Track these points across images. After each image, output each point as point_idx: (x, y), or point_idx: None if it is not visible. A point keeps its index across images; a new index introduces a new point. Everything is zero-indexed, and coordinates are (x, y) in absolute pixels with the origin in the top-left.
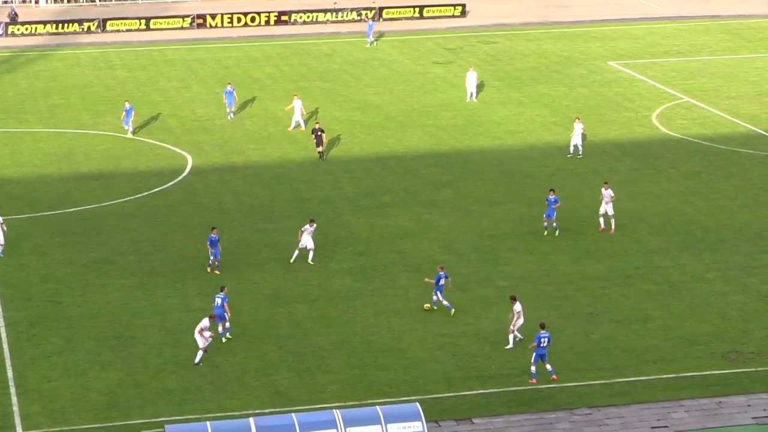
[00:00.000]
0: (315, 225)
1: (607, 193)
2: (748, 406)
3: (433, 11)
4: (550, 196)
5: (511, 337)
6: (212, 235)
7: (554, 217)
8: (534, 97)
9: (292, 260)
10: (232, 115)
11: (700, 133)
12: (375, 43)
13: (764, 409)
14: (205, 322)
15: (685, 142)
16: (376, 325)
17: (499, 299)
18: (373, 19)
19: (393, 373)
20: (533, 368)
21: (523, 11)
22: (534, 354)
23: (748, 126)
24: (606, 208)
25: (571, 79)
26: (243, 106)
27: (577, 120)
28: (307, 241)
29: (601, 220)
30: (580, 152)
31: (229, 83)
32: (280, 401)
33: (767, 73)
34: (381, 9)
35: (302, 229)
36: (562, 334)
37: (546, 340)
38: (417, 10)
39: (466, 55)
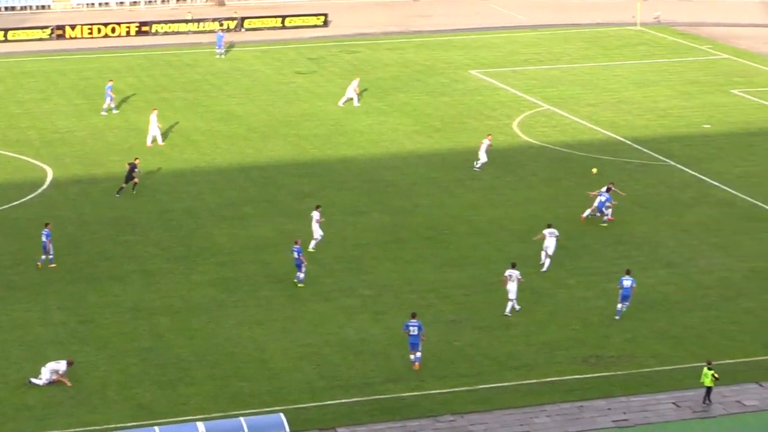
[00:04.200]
0: (320, 209)
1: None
2: (608, 409)
3: (296, 21)
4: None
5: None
6: (45, 230)
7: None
8: (396, 106)
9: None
10: (115, 110)
11: (561, 140)
12: (225, 54)
13: (624, 413)
14: (63, 365)
15: (545, 149)
16: (239, 336)
17: (363, 308)
18: (223, 30)
19: (256, 383)
20: (411, 356)
21: (385, 21)
22: (409, 343)
23: (608, 133)
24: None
25: (433, 88)
26: (104, 118)
27: (488, 137)
28: (315, 228)
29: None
30: (477, 166)
31: (110, 80)
32: (142, 414)
33: (625, 81)
34: (243, 19)
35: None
36: (426, 342)
37: (416, 329)
38: (279, 20)
39: (329, 65)
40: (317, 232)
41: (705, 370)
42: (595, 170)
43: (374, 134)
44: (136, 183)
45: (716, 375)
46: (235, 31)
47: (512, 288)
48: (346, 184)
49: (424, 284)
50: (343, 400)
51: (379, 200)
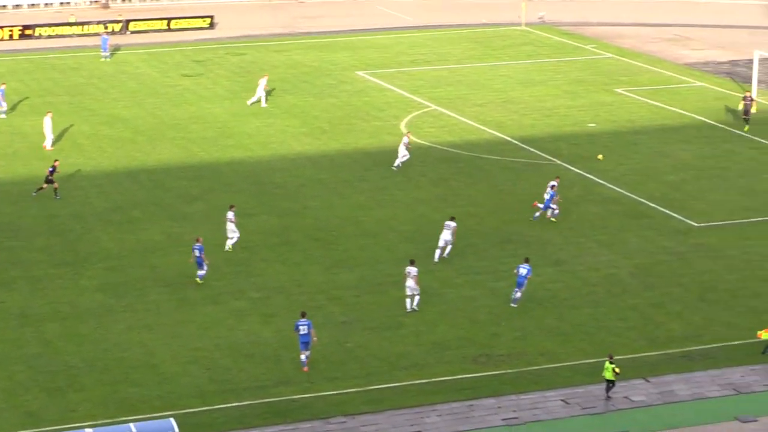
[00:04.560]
0: (234, 209)
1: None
2: (498, 408)
3: (181, 23)
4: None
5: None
6: None
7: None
8: (284, 108)
9: None
10: (3, 115)
11: (448, 140)
12: (110, 57)
13: (514, 411)
14: None
15: (433, 149)
16: (128, 341)
17: (252, 311)
18: (108, 33)
19: (146, 388)
20: (302, 356)
21: (272, 22)
22: (299, 342)
23: (494, 132)
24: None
25: (320, 90)
26: None
27: (407, 133)
28: (230, 229)
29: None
30: (396, 164)
31: (2, 83)
32: (30, 422)
33: (511, 81)
34: (128, 22)
35: None
36: (317, 343)
37: (305, 327)
38: (165, 22)
39: (215, 67)
40: (233, 233)
41: (607, 364)
42: (600, 156)
43: (262, 136)
44: (56, 188)
45: (617, 369)
46: (120, 33)
47: (411, 284)
48: (234, 187)
49: (313, 286)
50: (234, 404)
51: (267, 202)
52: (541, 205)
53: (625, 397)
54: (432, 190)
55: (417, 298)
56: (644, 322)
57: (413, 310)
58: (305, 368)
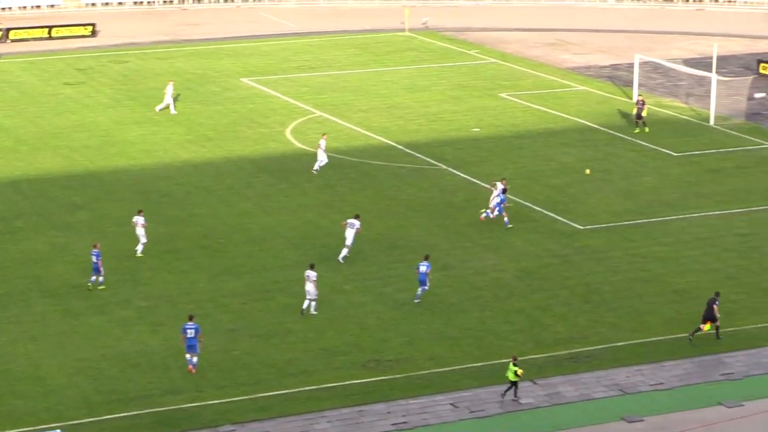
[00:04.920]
0: (142, 213)
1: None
2: (388, 413)
3: (62, 31)
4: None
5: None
6: None
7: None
8: (168, 116)
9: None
10: None
11: (334, 146)
12: None
13: (403, 416)
14: None
15: None
16: (12, 353)
17: (139, 320)
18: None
19: (32, 401)
20: (188, 356)
21: (154, 30)
22: (185, 345)
23: (380, 138)
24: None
25: (204, 97)
26: None
27: (323, 136)
28: (140, 234)
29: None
30: (315, 167)
31: None
32: None
33: (396, 86)
34: (8, 30)
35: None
36: (204, 351)
37: (193, 331)
38: (46, 30)
39: (98, 75)
40: (143, 237)
41: (510, 365)
42: (588, 171)
43: (147, 144)
44: None
45: (519, 372)
46: (0, 42)
47: (310, 288)
48: (119, 195)
49: (201, 294)
50: (122, 414)
51: (153, 210)
52: (486, 210)
53: (513, 400)
54: (318, 196)
55: (314, 303)
56: (531, 324)
57: (311, 314)
58: (193, 370)
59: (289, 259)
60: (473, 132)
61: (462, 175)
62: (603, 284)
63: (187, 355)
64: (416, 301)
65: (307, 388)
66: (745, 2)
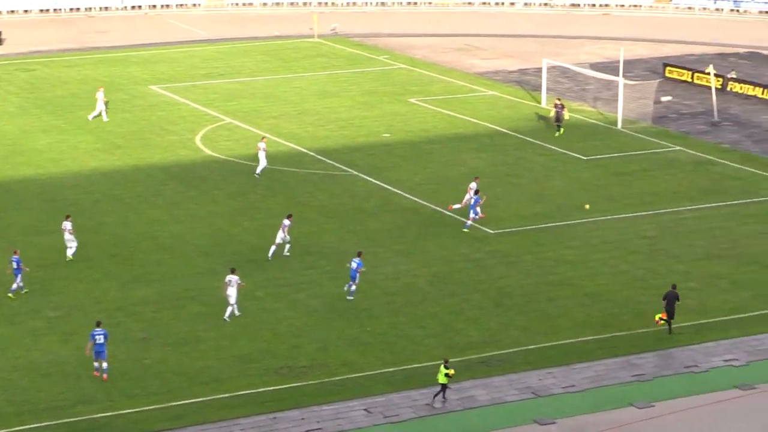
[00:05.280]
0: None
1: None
2: (302, 419)
3: None
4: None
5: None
6: None
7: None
8: (77, 124)
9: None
10: None
11: (244, 153)
12: None
13: (317, 422)
14: None
15: (229, 162)
16: None
17: (50, 330)
18: None
19: None
20: (95, 364)
21: (61, 37)
22: (93, 352)
23: (291, 144)
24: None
25: (113, 105)
26: None
27: (263, 139)
28: (69, 238)
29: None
30: (258, 171)
31: None
32: None
33: (306, 92)
34: None
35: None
36: (115, 360)
37: (101, 337)
38: None
39: (4, 84)
40: (72, 242)
41: (441, 368)
42: (587, 206)
43: (54, 153)
44: None
45: (449, 373)
46: None
47: (232, 293)
48: (26, 204)
49: (112, 302)
50: (34, 425)
51: (62, 219)
52: (457, 206)
53: (427, 405)
54: (229, 203)
55: (233, 307)
56: (443, 329)
57: (225, 320)
58: (105, 375)
59: (200, 267)
60: (384, 137)
61: (373, 180)
62: (514, 288)
63: (95, 363)
64: (349, 297)
65: (220, 396)
66: (651, 7)
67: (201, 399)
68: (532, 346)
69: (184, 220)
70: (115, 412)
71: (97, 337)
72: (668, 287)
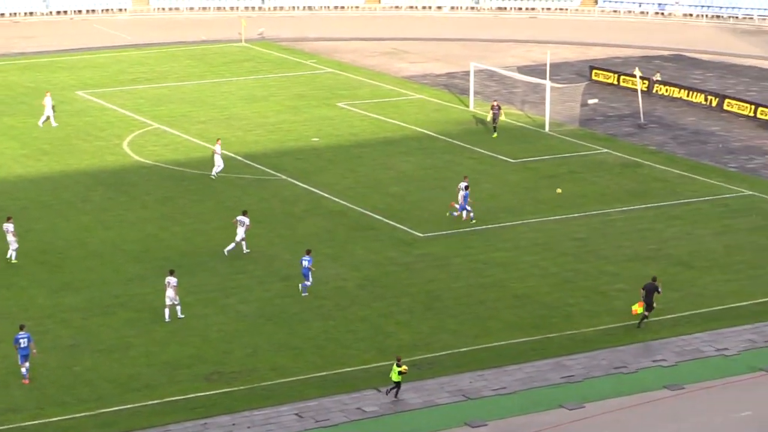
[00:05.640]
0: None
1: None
2: (233, 425)
3: None
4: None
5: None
6: None
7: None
8: (2, 131)
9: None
10: None
11: (173, 158)
12: None
13: (248, 427)
14: None
15: (157, 168)
16: None
17: None
18: None
19: None
20: (23, 370)
21: None
22: (19, 356)
23: None
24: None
25: (39, 111)
26: None
27: (218, 141)
28: (11, 240)
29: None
30: (213, 173)
31: None
32: None
33: (234, 97)
34: None
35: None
36: (44, 368)
37: (25, 340)
38: None
39: None
40: (14, 243)
41: (394, 366)
42: (559, 190)
43: None
44: None
45: (402, 371)
46: None
47: (170, 294)
48: None
49: (40, 310)
50: None
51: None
52: (458, 206)
53: (358, 408)
54: (158, 208)
55: (178, 307)
56: (374, 332)
57: (179, 318)
58: (26, 380)
59: (129, 273)
60: (312, 142)
61: (302, 185)
62: (444, 291)
63: (22, 369)
64: (304, 294)
65: (150, 402)
66: (577, 10)
67: (131, 405)
68: (463, 349)
69: (113, 226)
70: (45, 420)
71: (20, 340)
72: (598, 289)
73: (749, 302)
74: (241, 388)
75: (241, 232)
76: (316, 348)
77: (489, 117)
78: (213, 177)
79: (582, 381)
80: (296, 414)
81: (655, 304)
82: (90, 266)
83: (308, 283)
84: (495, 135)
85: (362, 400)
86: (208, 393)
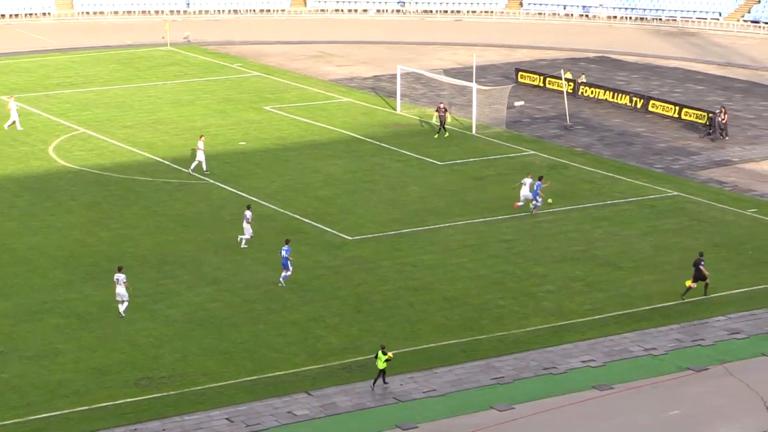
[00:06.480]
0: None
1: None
2: (164, 430)
3: None
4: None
5: None
6: None
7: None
8: None
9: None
10: None
11: (98, 163)
12: None
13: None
14: None
15: (83, 173)
16: None
17: None
18: None
19: None
20: None
21: None
22: None
23: (145, 154)
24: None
25: None
26: None
27: (201, 137)
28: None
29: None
30: (192, 167)
31: None
32: None
33: (160, 101)
34: None
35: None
36: None
37: None
38: None
39: None
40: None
41: (379, 353)
42: (550, 200)
43: None
44: None
45: (389, 358)
46: None
47: (120, 291)
48: None
49: None
50: None
51: None
52: (520, 203)
53: (289, 412)
54: (85, 213)
55: (125, 304)
56: (304, 336)
57: (121, 317)
58: None
59: (57, 279)
60: (240, 145)
61: (229, 188)
62: (374, 294)
63: None
64: (281, 284)
65: (79, 408)
66: (502, 13)
67: (61, 412)
68: (392, 352)
69: (40, 232)
70: None
71: None
72: (527, 290)
73: (677, 302)
74: (171, 393)
75: (248, 228)
76: (246, 352)
77: (434, 119)
78: (190, 172)
79: (512, 382)
80: (227, 419)
81: (706, 272)
82: (17, 272)
83: (288, 273)
84: (446, 134)
85: (293, 403)
86: (137, 398)
